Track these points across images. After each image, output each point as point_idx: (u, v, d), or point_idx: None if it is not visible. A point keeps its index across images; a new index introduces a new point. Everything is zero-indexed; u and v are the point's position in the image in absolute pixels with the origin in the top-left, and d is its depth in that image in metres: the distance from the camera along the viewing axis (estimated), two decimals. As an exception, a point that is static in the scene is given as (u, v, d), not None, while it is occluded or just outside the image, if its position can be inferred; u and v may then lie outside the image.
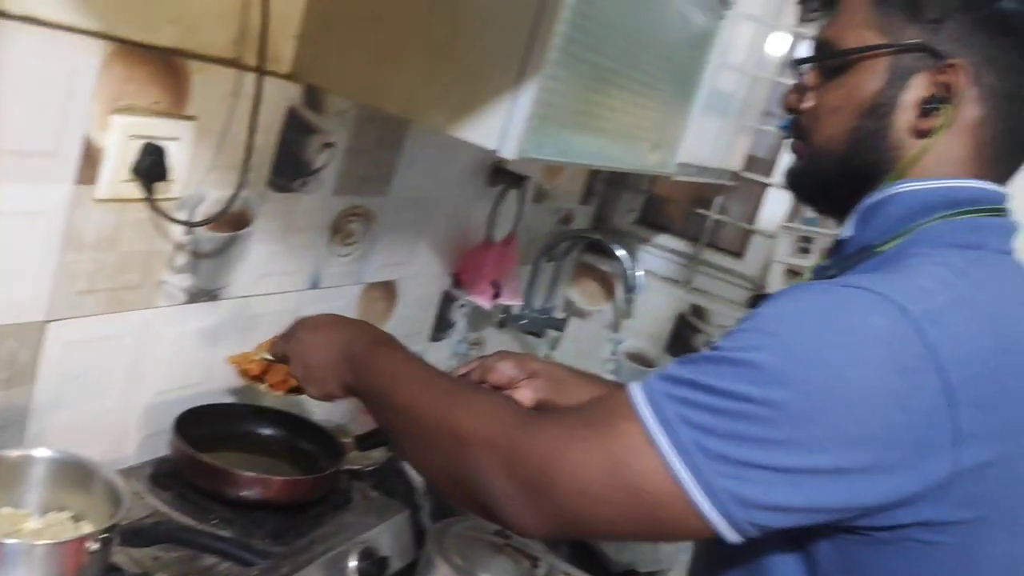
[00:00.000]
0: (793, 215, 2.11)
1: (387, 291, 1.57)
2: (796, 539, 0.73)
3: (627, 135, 1.39)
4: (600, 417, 0.73)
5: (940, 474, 0.67)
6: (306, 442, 1.26)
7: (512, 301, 1.81)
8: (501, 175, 1.73)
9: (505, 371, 1.15)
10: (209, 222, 1.09)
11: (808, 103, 0.86)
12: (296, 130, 1.21)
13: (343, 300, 1.46)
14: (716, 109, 1.72)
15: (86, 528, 0.94)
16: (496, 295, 1.74)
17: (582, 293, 2.32)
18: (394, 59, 1.10)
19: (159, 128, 1.01)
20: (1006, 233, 0.80)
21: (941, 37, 0.77)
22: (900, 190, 0.79)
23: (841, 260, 0.80)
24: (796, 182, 0.89)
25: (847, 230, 0.82)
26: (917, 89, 0.78)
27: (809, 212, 2.15)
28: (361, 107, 1.29)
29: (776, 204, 2.16)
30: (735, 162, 1.98)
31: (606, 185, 2.29)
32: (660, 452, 0.67)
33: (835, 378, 0.65)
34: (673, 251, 2.26)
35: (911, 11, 0.78)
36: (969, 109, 0.78)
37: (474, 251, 1.73)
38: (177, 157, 1.04)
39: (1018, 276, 0.80)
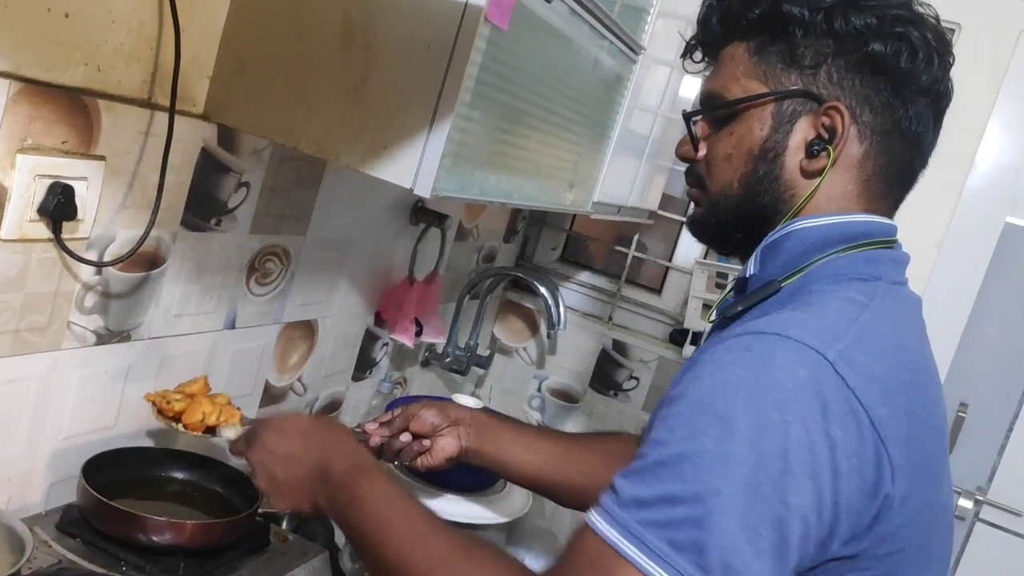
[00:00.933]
0: (708, 252, 2.17)
1: (307, 330, 1.56)
2: None
3: (543, 174, 1.42)
4: (590, 572, 0.68)
5: (875, 511, 0.69)
6: (221, 485, 1.24)
7: (435, 339, 1.82)
8: (422, 214, 1.74)
9: (428, 419, 1.16)
10: (119, 262, 1.08)
11: (701, 152, 0.90)
12: (210, 169, 1.21)
13: (261, 340, 1.45)
14: (632, 150, 1.77)
15: (-15, 579, 0.91)
16: (419, 333, 1.74)
17: (506, 330, 2.34)
18: (308, 100, 1.11)
19: (67, 168, 1.00)
20: (898, 264, 0.84)
21: (820, 82, 0.83)
22: (796, 227, 0.83)
23: (747, 296, 0.83)
24: (698, 228, 0.93)
25: (749, 268, 0.86)
26: (802, 132, 0.83)
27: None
28: (277, 146, 1.30)
29: (692, 242, 2.22)
30: (652, 201, 2.03)
31: (528, 223, 2.32)
32: None
33: (785, 441, 0.66)
34: (594, 287, 2.30)
35: (789, 59, 0.83)
36: (852, 147, 0.83)
37: (396, 289, 1.74)
38: (86, 197, 1.03)
39: (913, 306, 0.84)
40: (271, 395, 1.53)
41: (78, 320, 1.10)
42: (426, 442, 1.16)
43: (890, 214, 0.87)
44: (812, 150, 0.83)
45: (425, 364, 2.04)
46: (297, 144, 1.13)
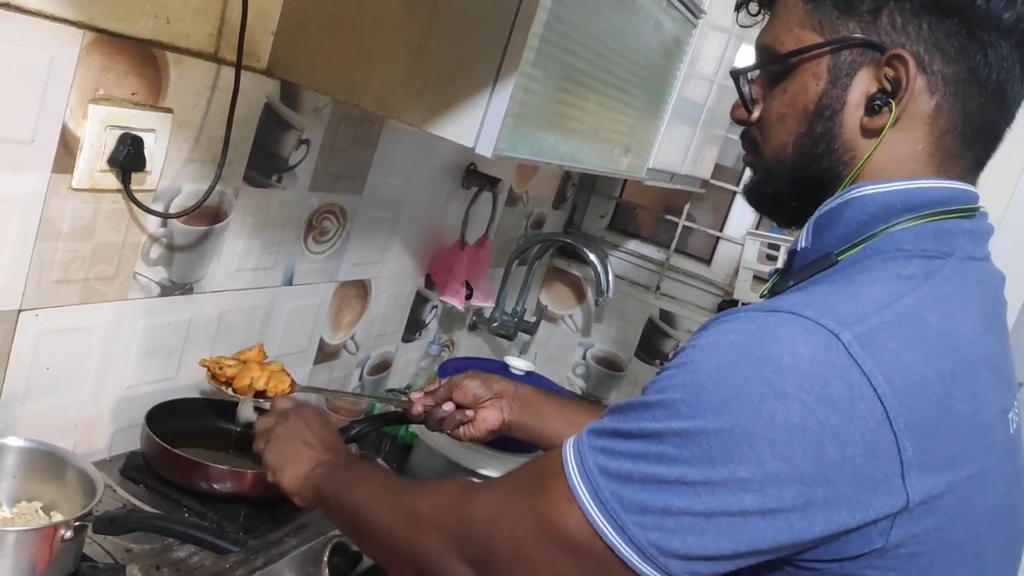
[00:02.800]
0: (760, 223, 2.15)
1: (361, 289, 1.58)
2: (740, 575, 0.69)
3: (599, 138, 1.41)
4: (532, 477, 0.72)
5: (886, 508, 0.63)
6: (279, 437, 1.26)
7: (484, 303, 1.82)
8: (475, 177, 1.74)
9: (471, 390, 1.15)
10: (185, 214, 1.10)
11: (755, 114, 0.82)
12: (272, 125, 1.21)
13: (317, 297, 1.47)
14: (686, 117, 1.75)
15: (57, 518, 0.93)
16: (468, 296, 1.75)
17: (553, 297, 2.34)
18: (371, 57, 1.11)
19: (137, 119, 1.01)
20: (977, 237, 0.75)
21: (881, 28, 0.73)
22: (857, 194, 0.74)
23: (800, 271, 0.77)
24: (753, 197, 0.86)
25: (801, 240, 0.79)
26: (862, 85, 0.74)
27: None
28: (337, 104, 1.30)
29: (744, 212, 2.20)
30: (704, 170, 2.01)
31: (577, 190, 2.31)
32: (583, 508, 0.65)
33: (753, 413, 0.62)
34: (643, 256, 2.29)
35: (845, 5, 0.75)
36: (920, 100, 0.73)
37: (447, 252, 1.74)
38: (154, 149, 1.04)
39: (988, 286, 0.75)
40: (325, 352, 1.55)
41: (144, 271, 1.12)
42: (469, 413, 1.15)
43: (969, 178, 0.76)
44: (873, 105, 0.73)
45: (472, 328, 2.05)
46: (359, 101, 1.13)
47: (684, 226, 2.23)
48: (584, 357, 2.30)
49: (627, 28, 1.32)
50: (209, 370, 1.18)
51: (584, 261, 2.04)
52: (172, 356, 1.22)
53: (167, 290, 1.16)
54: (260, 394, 1.16)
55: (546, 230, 2.22)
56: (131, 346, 1.15)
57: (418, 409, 1.18)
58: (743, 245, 2.09)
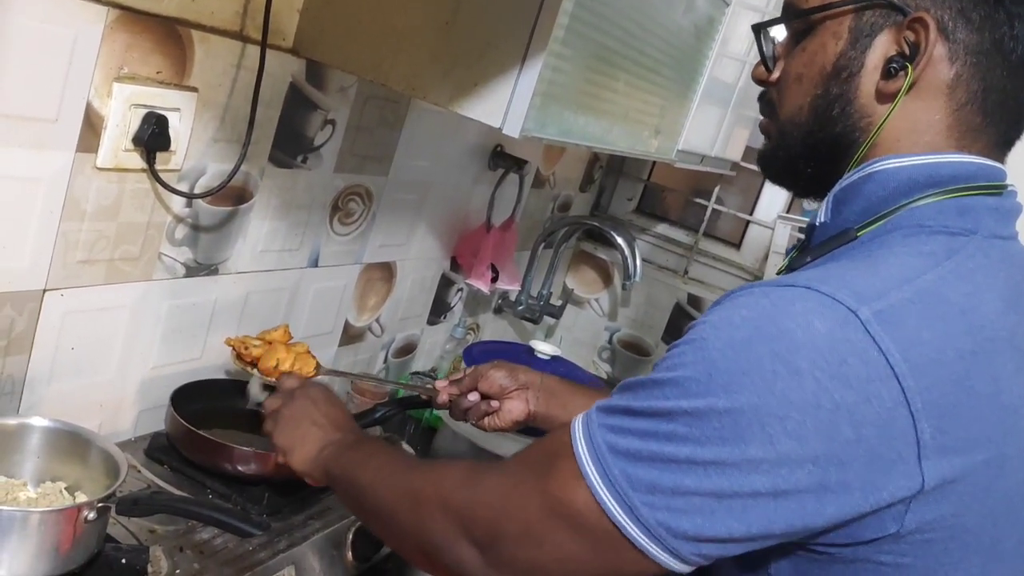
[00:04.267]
0: (791, 206, 2.11)
1: (386, 272, 1.56)
2: (751, 559, 0.68)
3: (629, 119, 1.39)
4: (540, 457, 0.70)
5: (901, 491, 0.61)
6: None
7: (510, 286, 1.81)
8: (501, 159, 1.72)
9: (497, 380, 1.14)
10: (210, 194, 1.09)
11: (776, 73, 0.80)
12: (298, 105, 1.20)
13: (343, 279, 1.46)
14: (717, 98, 1.71)
15: (81, 498, 0.93)
16: (494, 279, 1.73)
17: (579, 281, 2.31)
18: (398, 35, 1.09)
19: (161, 98, 1.00)
20: (1003, 215, 0.73)
21: None
22: (878, 168, 0.72)
23: (819, 247, 0.75)
24: (766, 163, 0.83)
25: (820, 215, 0.77)
26: (882, 48, 0.72)
27: (808, 204, 2.16)
28: (363, 84, 1.29)
29: (774, 195, 2.16)
30: (735, 152, 1.97)
31: (605, 172, 2.28)
32: (591, 487, 0.64)
33: (765, 391, 0.60)
34: (671, 240, 2.26)
35: None
36: (940, 68, 0.70)
37: (473, 235, 1.73)
38: (179, 128, 1.03)
39: (1013, 266, 0.72)
40: (350, 335, 1.54)
41: (169, 251, 1.11)
42: (494, 403, 1.14)
43: (996, 155, 0.73)
44: (891, 68, 0.71)
45: (498, 311, 2.04)
46: (386, 81, 1.11)
47: (713, 209, 2.20)
48: (610, 341, 2.28)
49: (659, 7, 1.29)
50: (234, 349, 1.17)
51: (611, 245, 2.02)
52: (197, 337, 1.22)
53: (192, 271, 1.16)
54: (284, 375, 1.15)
55: (573, 213, 2.20)
56: (156, 327, 1.14)
57: (443, 398, 1.16)
58: (773, 229, 2.06)
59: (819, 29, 0.76)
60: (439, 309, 1.79)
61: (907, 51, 0.71)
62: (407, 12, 1.08)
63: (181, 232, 1.11)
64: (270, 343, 1.18)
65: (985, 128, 0.73)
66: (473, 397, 1.15)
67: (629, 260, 1.89)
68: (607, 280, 2.28)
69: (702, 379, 0.62)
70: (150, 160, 1.00)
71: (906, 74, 0.71)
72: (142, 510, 0.89)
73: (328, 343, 1.49)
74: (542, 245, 2.01)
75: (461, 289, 1.83)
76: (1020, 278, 0.74)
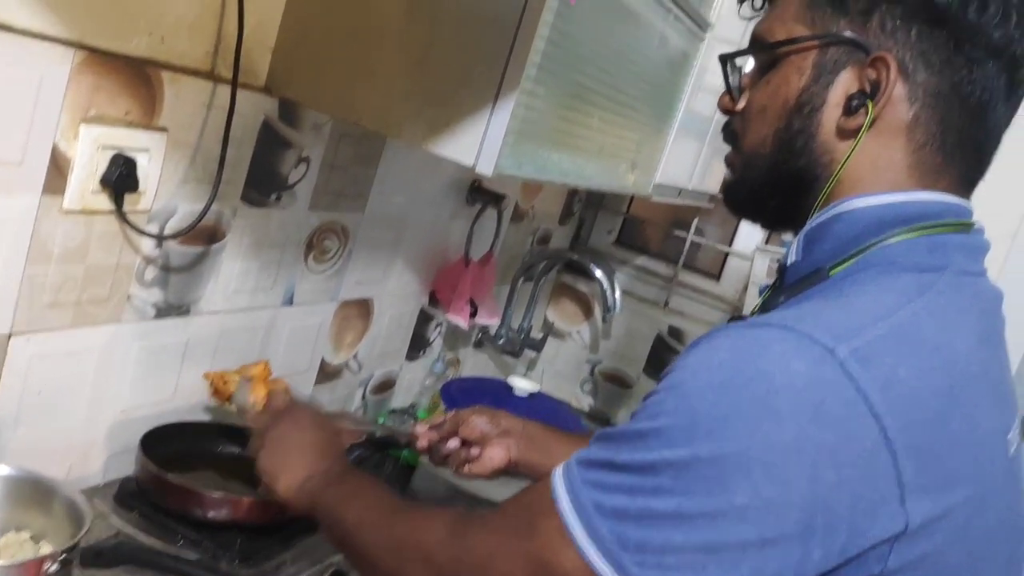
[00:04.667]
0: (770, 238, 2.12)
1: (363, 308, 1.55)
2: None
3: (605, 154, 1.39)
4: (521, 515, 0.69)
5: (886, 532, 0.60)
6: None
7: (489, 320, 1.80)
8: (479, 194, 1.72)
9: (478, 426, 1.12)
10: (180, 235, 1.07)
11: (741, 104, 0.81)
12: (271, 144, 1.19)
13: (319, 317, 1.44)
14: (693, 132, 1.72)
15: (45, 549, 0.91)
16: (473, 314, 1.72)
17: (560, 313, 2.31)
18: (370, 74, 1.09)
19: (130, 139, 0.99)
20: (972, 251, 0.74)
21: (871, 29, 0.72)
22: (846, 209, 0.73)
23: (792, 286, 0.75)
24: (729, 195, 0.84)
25: (791, 255, 0.77)
26: (844, 85, 0.73)
27: (787, 235, 2.16)
28: (337, 122, 1.28)
29: (753, 227, 2.16)
30: (713, 185, 1.98)
31: (584, 206, 2.29)
32: (579, 548, 0.63)
33: (747, 436, 0.59)
34: (651, 272, 2.26)
35: (839, 3, 0.74)
36: (899, 108, 0.72)
37: (451, 269, 1.72)
38: (148, 169, 1.02)
39: (985, 301, 0.73)
40: (326, 372, 1.52)
41: (138, 293, 1.09)
42: (475, 450, 1.12)
43: (958, 192, 0.74)
44: (851, 105, 0.72)
45: (478, 345, 2.03)
46: (359, 119, 1.11)
47: (692, 241, 2.20)
48: (592, 373, 2.27)
49: (632, 43, 1.30)
50: (212, 384, 1.15)
51: (591, 277, 2.01)
52: (169, 378, 1.20)
53: (163, 312, 1.14)
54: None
55: (552, 246, 2.19)
56: (126, 369, 1.12)
57: (422, 444, 1.14)
58: (752, 260, 2.06)
59: (784, 63, 0.77)
60: (418, 344, 1.78)
61: (868, 89, 0.72)
62: (380, 50, 1.08)
63: (151, 273, 1.10)
64: (249, 378, 1.16)
65: (946, 168, 0.74)
66: (453, 443, 1.13)
67: (608, 292, 1.89)
68: (588, 312, 2.27)
69: (684, 426, 0.61)
70: (118, 202, 0.99)
71: (867, 111, 0.72)
72: (106, 561, 0.87)
73: (304, 381, 1.48)
74: (521, 279, 2.00)
75: (440, 324, 1.82)
76: (992, 314, 0.75)
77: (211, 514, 1.07)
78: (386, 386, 1.73)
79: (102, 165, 0.97)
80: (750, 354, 0.62)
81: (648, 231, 2.37)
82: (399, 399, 1.78)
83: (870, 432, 0.60)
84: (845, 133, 0.74)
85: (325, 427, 0.99)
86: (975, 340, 0.69)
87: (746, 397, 0.60)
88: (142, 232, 1.03)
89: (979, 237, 0.76)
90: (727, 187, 0.85)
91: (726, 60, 0.83)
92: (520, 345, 2.03)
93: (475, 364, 2.05)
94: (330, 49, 1.12)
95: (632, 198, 2.30)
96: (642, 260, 2.29)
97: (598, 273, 1.90)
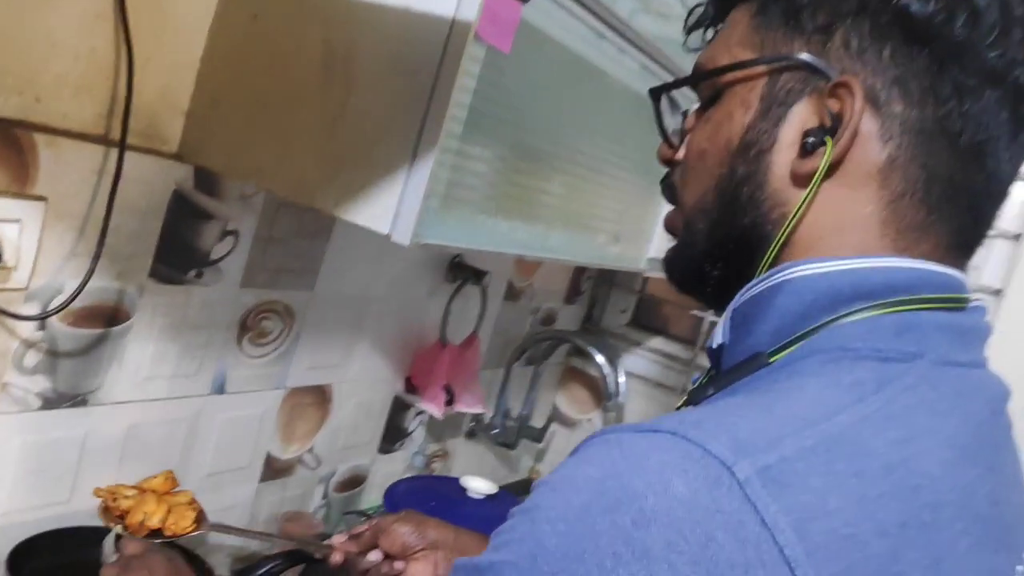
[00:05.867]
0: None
1: (319, 396, 1.41)
2: None
3: (576, 224, 1.24)
4: None
5: None
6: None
7: (470, 409, 1.63)
8: (459, 269, 1.58)
9: (400, 537, 0.97)
10: (48, 315, 0.95)
11: (682, 151, 0.65)
12: (186, 215, 1.08)
13: (259, 407, 1.30)
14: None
15: None
16: (449, 402, 1.57)
17: (570, 400, 2.13)
18: (284, 137, 0.97)
19: (-7, 208, 0.88)
20: (961, 335, 0.56)
21: (831, 50, 0.56)
22: (788, 276, 0.56)
23: (726, 375, 0.58)
24: (668, 265, 0.67)
25: (716, 336, 0.60)
26: (799, 119, 0.57)
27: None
28: (270, 192, 1.16)
29: (778, 305, 1.98)
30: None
31: (595, 284, 2.13)
32: None
33: None
34: (667, 355, 2.07)
35: (793, 19, 0.58)
36: (870, 148, 0.55)
37: (427, 353, 1.57)
38: (18, 242, 0.91)
39: (972, 401, 0.54)
40: (274, 468, 1.38)
41: (16, 381, 0.97)
42: (398, 564, 0.97)
43: (948, 258, 0.57)
44: (807, 142, 0.56)
45: (471, 435, 1.86)
46: (270, 187, 0.99)
47: (712, 322, 2.01)
48: (603, 467, 2.07)
49: (595, 98, 1.16)
50: (103, 501, 1.01)
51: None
52: (64, 479, 1.06)
53: (51, 402, 1.02)
54: (155, 533, 0.98)
55: (559, 326, 2.03)
56: (5, 467, 1.00)
57: (336, 558, 0.98)
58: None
59: (727, 96, 0.61)
60: (393, 436, 1.62)
61: (829, 123, 0.56)
62: (295, 111, 0.97)
63: (33, 359, 0.98)
64: (144, 491, 1.01)
65: (932, 226, 0.56)
66: (374, 557, 0.98)
67: (608, 378, 1.72)
68: (599, 399, 2.09)
69: (524, 566, 0.45)
70: (-26, 278, 0.88)
71: (825, 150, 0.55)
72: None
73: (246, 479, 1.33)
74: (518, 362, 1.84)
75: (421, 413, 1.66)
76: (985, 417, 0.55)
77: (78, 641, 0.92)
78: (355, 482, 1.58)
79: (-45, 237, 0.86)
80: (621, 468, 0.46)
81: (666, 310, 2.19)
82: (372, 496, 1.62)
83: None
84: (800, 179, 0.57)
85: (180, 573, 0.85)
86: (954, 455, 0.51)
87: (606, 528, 0.44)
88: (4, 312, 0.91)
89: (976, 317, 0.58)
90: (666, 257, 0.68)
91: (657, 95, 0.68)
92: (517, 435, 1.86)
93: (468, 456, 1.88)
94: (245, 112, 1.01)
95: (647, 276, 2.13)
96: (658, 342, 2.11)
97: (598, 358, 1.73)
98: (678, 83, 0.68)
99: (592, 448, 0.49)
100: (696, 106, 0.66)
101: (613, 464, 0.46)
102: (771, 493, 0.44)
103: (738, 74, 0.60)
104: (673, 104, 0.71)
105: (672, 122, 0.70)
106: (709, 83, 0.63)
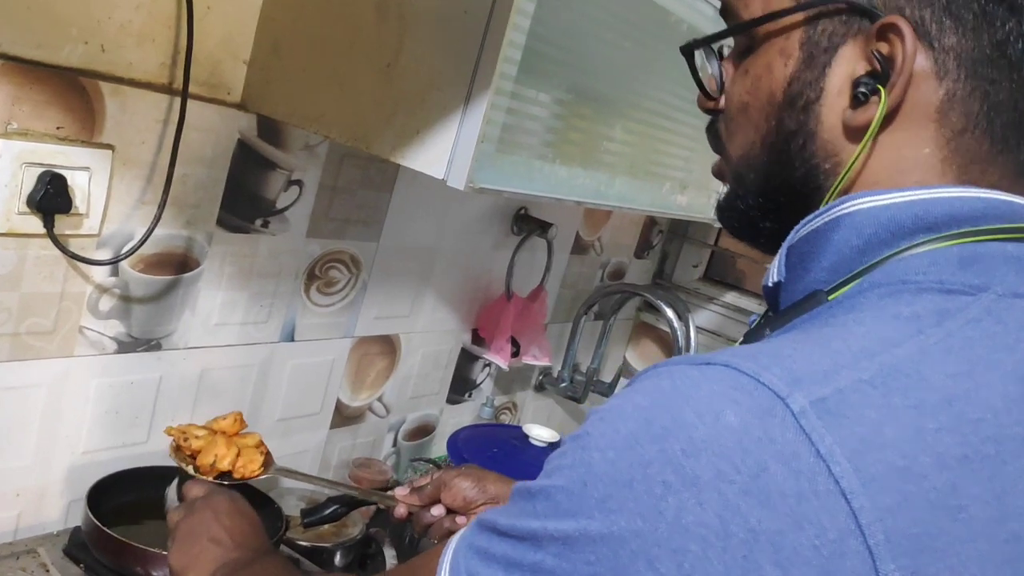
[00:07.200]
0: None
1: (387, 346, 1.43)
2: None
3: (640, 172, 1.22)
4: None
5: None
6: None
7: (536, 361, 1.63)
8: (524, 221, 1.57)
9: (461, 492, 0.97)
10: (119, 260, 0.98)
11: (723, 100, 0.62)
12: (250, 164, 1.10)
13: (329, 354, 1.33)
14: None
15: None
16: (515, 354, 1.57)
17: (641, 355, 2.11)
18: (341, 82, 0.98)
19: (63, 156, 0.91)
20: None
21: None
22: (847, 210, 0.54)
23: (783, 315, 0.56)
24: (722, 214, 0.65)
25: (772, 275, 0.58)
26: (846, 66, 0.54)
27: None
28: (335, 141, 1.17)
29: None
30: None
31: (666, 237, 2.09)
32: None
33: (651, 511, 0.43)
34: (741, 310, 2.03)
35: None
36: (925, 87, 0.53)
37: (493, 305, 1.58)
38: (89, 189, 0.94)
39: None
40: (345, 415, 1.40)
41: (92, 325, 1.01)
42: (460, 519, 0.97)
43: (1016, 187, 0.54)
44: (858, 93, 0.53)
45: (539, 389, 1.86)
46: (329, 133, 1.00)
47: (787, 275, 1.96)
48: (675, 423, 2.05)
49: (657, 40, 1.13)
50: (174, 440, 1.05)
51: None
52: (140, 419, 1.11)
53: (126, 346, 1.06)
54: (223, 475, 1.01)
55: (629, 280, 2.01)
56: (84, 407, 1.04)
57: (401, 511, 0.99)
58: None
59: (764, 46, 0.58)
60: (462, 387, 1.63)
61: (879, 68, 0.53)
62: (350, 56, 0.97)
63: (107, 303, 1.02)
64: (215, 432, 1.05)
65: (997, 157, 0.54)
66: (436, 511, 0.98)
67: (679, 333, 1.69)
68: (670, 354, 2.07)
69: (575, 490, 0.46)
70: (48, 223, 0.91)
71: (880, 100, 0.52)
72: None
73: (317, 425, 1.36)
74: (586, 316, 1.83)
75: (489, 364, 1.67)
76: None
77: (153, 572, 0.96)
78: (424, 431, 1.60)
79: (28, 183, 0.89)
80: (671, 398, 0.46)
81: (741, 265, 2.14)
82: (440, 446, 1.64)
83: (834, 516, 0.42)
84: (855, 132, 0.55)
85: (244, 514, 0.86)
86: (1019, 390, 0.48)
87: (655, 456, 0.44)
88: (77, 257, 0.94)
89: None
90: (719, 206, 0.66)
91: (690, 50, 0.65)
92: (585, 389, 1.85)
93: (537, 409, 1.89)
94: (303, 58, 1.02)
95: (721, 229, 2.09)
96: (732, 296, 2.07)
97: (667, 311, 1.71)
98: (710, 39, 0.64)
99: (645, 379, 0.49)
100: (729, 52, 0.64)
101: (663, 394, 0.46)
102: (826, 424, 0.43)
103: (776, 24, 0.57)
104: (708, 51, 0.68)
105: (710, 66, 0.67)
106: (741, 32, 0.60)
